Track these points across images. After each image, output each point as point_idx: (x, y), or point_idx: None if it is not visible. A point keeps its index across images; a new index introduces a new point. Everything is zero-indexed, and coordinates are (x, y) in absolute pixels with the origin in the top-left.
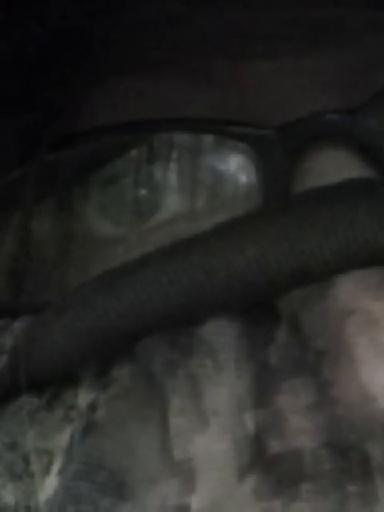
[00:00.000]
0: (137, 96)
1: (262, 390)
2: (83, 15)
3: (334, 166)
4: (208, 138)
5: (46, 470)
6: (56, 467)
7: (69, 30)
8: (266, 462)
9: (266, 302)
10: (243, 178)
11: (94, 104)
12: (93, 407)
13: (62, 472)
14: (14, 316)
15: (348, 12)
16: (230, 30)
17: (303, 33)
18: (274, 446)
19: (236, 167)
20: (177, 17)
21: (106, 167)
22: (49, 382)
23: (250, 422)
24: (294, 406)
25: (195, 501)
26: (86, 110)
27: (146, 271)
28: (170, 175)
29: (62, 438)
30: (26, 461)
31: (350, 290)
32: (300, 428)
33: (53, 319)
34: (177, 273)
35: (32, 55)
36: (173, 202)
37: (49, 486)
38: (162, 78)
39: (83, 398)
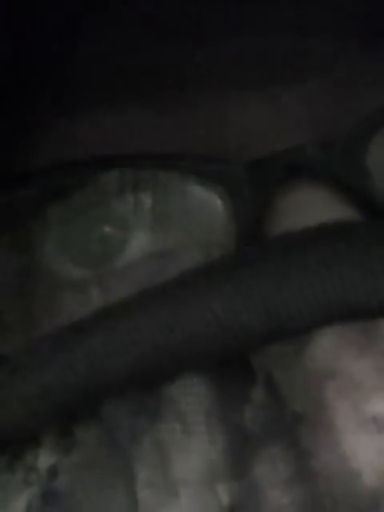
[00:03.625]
0: (99, 130)
1: (238, 458)
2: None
3: (310, 204)
4: (177, 174)
5: None
6: None
7: (26, 68)
8: None
9: (239, 359)
10: (214, 215)
11: (52, 139)
12: (53, 471)
13: None
14: None
15: (314, 43)
16: (196, 62)
17: (270, 65)
18: None
19: (206, 204)
20: (141, 47)
21: (67, 201)
22: (7, 442)
23: (224, 494)
24: (272, 477)
25: None
26: (43, 145)
27: (105, 327)
28: (137, 211)
29: (20, 504)
30: None
31: (328, 348)
32: (278, 504)
33: (8, 378)
34: (139, 329)
35: None
36: (140, 241)
37: None
38: (127, 111)
39: (44, 459)
